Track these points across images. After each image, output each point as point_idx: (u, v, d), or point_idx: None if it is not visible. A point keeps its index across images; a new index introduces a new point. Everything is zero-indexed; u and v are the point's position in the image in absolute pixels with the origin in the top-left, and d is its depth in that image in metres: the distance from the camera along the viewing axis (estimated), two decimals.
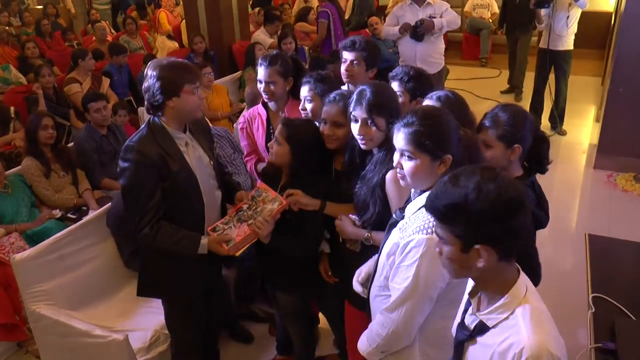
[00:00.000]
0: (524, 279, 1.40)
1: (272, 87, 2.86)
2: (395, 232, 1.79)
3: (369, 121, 2.08)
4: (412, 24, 4.97)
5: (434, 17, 4.94)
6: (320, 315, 3.08)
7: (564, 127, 6.29)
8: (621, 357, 1.95)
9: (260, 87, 2.90)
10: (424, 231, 1.63)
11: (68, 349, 2.79)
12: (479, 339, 1.42)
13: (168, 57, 2.31)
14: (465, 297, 1.52)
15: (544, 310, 1.37)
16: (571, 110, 6.39)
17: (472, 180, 1.29)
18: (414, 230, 1.66)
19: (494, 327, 1.38)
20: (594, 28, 8.19)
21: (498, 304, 1.37)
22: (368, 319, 2.03)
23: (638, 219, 4.55)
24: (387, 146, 2.05)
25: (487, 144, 2.09)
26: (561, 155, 5.68)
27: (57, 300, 2.87)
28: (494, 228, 1.28)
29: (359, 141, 2.15)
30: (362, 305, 2.10)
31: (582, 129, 6.48)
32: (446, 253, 1.37)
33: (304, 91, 2.69)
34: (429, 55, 5.07)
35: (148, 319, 2.96)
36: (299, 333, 2.76)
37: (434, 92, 2.30)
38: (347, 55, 2.99)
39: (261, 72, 2.86)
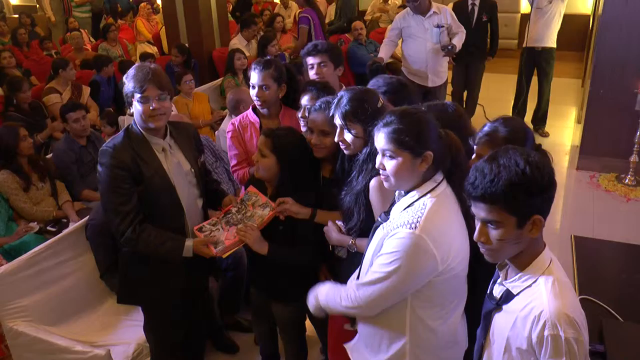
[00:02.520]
0: (549, 251, 1.51)
1: (265, 92, 2.80)
2: (379, 231, 1.79)
3: (345, 128, 2.08)
4: (434, 43, 4.93)
5: (442, 27, 4.93)
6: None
7: (546, 128, 6.34)
8: (610, 359, 1.94)
9: (253, 92, 2.83)
10: (409, 225, 1.64)
11: None
12: (504, 307, 1.51)
13: (137, 64, 2.31)
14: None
15: (566, 282, 1.47)
16: (553, 112, 6.44)
17: (516, 157, 1.39)
18: (399, 224, 1.67)
19: (518, 294, 1.48)
20: (572, 30, 8.28)
21: (523, 272, 1.48)
22: (352, 323, 2.06)
23: (621, 219, 4.60)
24: (370, 151, 2.04)
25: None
26: None
27: (36, 317, 2.81)
28: (545, 197, 1.40)
29: (341, 146, 2.15)
30: None
31: (564, 131, 6.54)
32: (497, 235, 1.43)
33: (305, 100, 2.65)
34: (438, 69, 5.11)
35: (130, 333, 2.91)
36: (293, 343, 2.71)
37: (430, 103, 2.30)
38: (312, 60, 3.02)
39: (255, 76, 2.80)
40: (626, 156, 4.99)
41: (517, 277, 1.49)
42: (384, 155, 1.74)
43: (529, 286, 1.45)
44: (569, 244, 2.74)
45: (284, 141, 2.34)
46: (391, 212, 1.80)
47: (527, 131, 2.01)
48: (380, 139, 1.73)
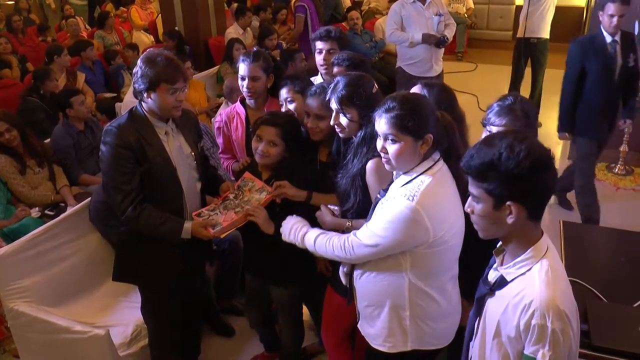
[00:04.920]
0: (546, 240, 1.50)
1: (255, 83, 2.82)
2: (378, 208, 1.87)
3: (340, 112, 2.14)
4: (435, 32, 4.86)
5: (441, 15, 4.90)
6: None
7: (539, 119, 6.39)
8: (593, 338, 2.02)
9: (243, 84, 2.85)
10: (407, 197, 1.73)
11: (48, 346, 2.77)
12: (497, 292, 1.52)
13: (163, 50, 2.31)
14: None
15: (561, 271, 1.47)
16: (546, 102, 6.49)
17: (505, 141, 1.39)
18: (398, 195, 1.76)
19: (511, 281, 1.47)
20: (567, 22, 8.33)
21: (518, 259, 1.47)
22: (349, 301, 2.11)
23: (610, 207, 4.65)
24: (364, 134, 2.10)
25: None
26: None
27: (36, 297, 2.85)
28: (524, 185, 1.38)
29: (336, 130, 2.21)
30: (345, 290, 2.15)
31: (557, 121, 6.58)
32: (478, 210, 1.47)
33: (284, 93, 2.70)
34: (439, 57, 5.11)
35: (129, 314, 2.95)
36: (291, 325, 2.78)
37: (424, 80, 2.41)
38: (322, 45, 3.05)
39: (244, 68, 2.82)
40: (616, 146, 5.04)
41: (512, 263, 1.49)
42: (386, 139, 1.80)
43: (523, 274, 1.45)
44: (557, 228, 2.81)
45: (293, 128, 2.42)
46: (389, 189, 1.87)
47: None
48: (382, 124, 1.79)
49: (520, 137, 1.40)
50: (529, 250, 1.46)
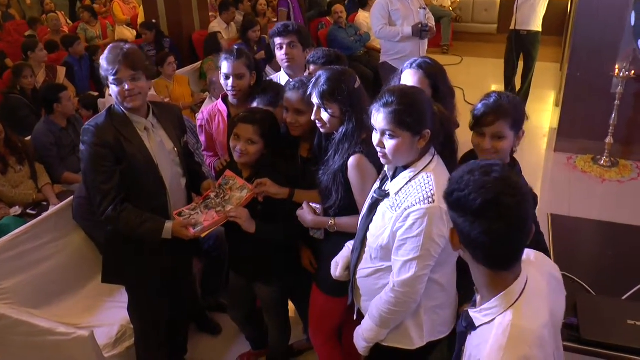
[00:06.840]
0: (522, 282, 1.30)
1: (240, 81, 2.77)
2: (385, 212, 1.82)
3: (322, 107, 2.11)
4: (418, 22, 4.78)
5: (425, 8, 4.89)
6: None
7: (526, 111, 6.40)
8: (582, 331, 2.02)
9: (227, 82, 2.78)
10: (426, 201, 1.69)
11: (31, 349, 2.70)
12: (472, 332, 1.40)
13: (112, 45, 2.28)
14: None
15: (528, 330, 1.24)
16: (532, 95, 6.53)
17: (473, 172, 1.23)
18: (413, 202, 1.71)
19: (479, 326, 1.34)
20: (551, 15, 8.35)
21: (485, 305, 1.32)
22: (352, 300, 2.08)
23: (596, 199, 4.71)
24: (346, 130, 2.08)
25: (500, 135, 2.02)
26: (523, 139, 5.80)
27: (18, 299, 2.79)
28: (464, 225, 1.23)
29: (317, 125, 2.17)
30: (331, 288, 2.13)
31: (543, 114, 6.64)
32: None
33: (256, 105, 2.66)
34: (425, 51, 5.07)
35: (114, 314, 2.91)
36: (277, 323, 2.76)
37: (412, 60, 2.41)
38: (281, 40, 3.00)
39: (227, 66, 2.75)
40: (602, 138, 5.08)
41: (478, 309, 1.34)
42: (383, 134, 1.76)
43: (487, 323, 1.29)
44: (545, 221, 2.80)
45: (271, 125, 2.38)
46: (389, 188, 1.83)
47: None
48: (380, 119, 1.75)
49: (482, 170, 1.22)
50: (495, 298, 1.28)
